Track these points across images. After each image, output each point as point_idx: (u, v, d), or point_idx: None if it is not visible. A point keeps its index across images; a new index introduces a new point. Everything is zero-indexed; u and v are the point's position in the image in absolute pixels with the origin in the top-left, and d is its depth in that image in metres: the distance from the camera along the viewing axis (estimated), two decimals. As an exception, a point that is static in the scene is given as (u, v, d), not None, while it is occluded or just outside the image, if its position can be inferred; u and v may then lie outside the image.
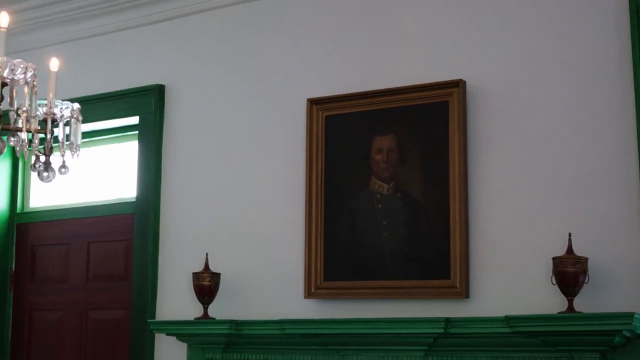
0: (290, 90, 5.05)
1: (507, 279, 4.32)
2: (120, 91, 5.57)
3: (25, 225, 6.08)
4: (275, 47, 5.15)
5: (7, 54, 5.45)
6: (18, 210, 6.11)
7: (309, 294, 4.80)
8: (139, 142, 5.54)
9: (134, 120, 5.60)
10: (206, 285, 4.96)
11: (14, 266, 6.06)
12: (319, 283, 4.79)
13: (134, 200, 5.53)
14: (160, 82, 5.48)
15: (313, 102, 4.92)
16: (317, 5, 5.03)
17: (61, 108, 3.22)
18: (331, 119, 4.89)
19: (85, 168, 5.82)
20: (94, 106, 5.43)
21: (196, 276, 4.97)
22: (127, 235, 5.57)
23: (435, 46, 4.68)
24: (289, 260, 4.91)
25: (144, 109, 5.50)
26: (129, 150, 5.75)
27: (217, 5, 5.33)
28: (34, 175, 6.02)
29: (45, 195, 6.08)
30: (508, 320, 4.09)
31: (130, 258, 5.52)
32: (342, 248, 4.76)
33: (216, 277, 4.97)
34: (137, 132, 5.59)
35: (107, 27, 5.71)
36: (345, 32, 4.94)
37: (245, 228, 5.09)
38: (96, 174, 5.81)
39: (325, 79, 4.95)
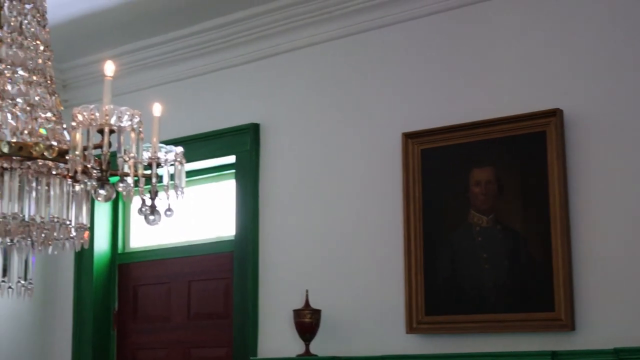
0: (385, 124, 5.05)
1: (614, 309, 4.23)
2: (217, 131, 5.64)
3: (126, 266, 6.18)
4: (369, 82, 5.16)
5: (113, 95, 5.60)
6: (119, 251, 6.22)
7: (410, 328, 4.78)
8: (236, 180, 5.60)
9: (231, 159, 5.66)
10: (307, 322, 4.97)
11: (116, 306, 6.16)
12: (420, 318, 4.77)
13: (233, 238, 5.58)
14: (255, 121, 5.53)
15: (408, 136, 4.92)
16: (410, 38, 5.03)
17: (165, 152, 3.27)
18: (427, 153, 4.88)
19: (184, 207, 5.89)
20: (192, 146, 5.49)
21: (297, 313, 4.99)
22: (226, 273, 5.62)
23: (530, 76, 4.64)
24: (389, 295, 4.89)
25: (240, 148, 5.56)
26: (226, 189, 5.82)
27: (310, 43, 5.37)
28: (134, 216, 6.20)
29: (145, 235, 6.17)
30: (617, 353, 4.00)
31: (231, 296, 5.56)
32: (442, 282, 4.73)
33: (317, 313, 4.98)
34: (233, 170, 5.66)
35: (201, 69, 5.79)
36: (439, 65, 4.93)
37: (344, 264, 5.09)
38: (195, 213, 5.89)
39: (419, 112, 4.94)
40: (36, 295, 3.23)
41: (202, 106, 5.77)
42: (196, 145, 5.59)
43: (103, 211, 6.14)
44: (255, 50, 5.56)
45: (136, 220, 6.21)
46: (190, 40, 5.74)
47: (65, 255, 5.86)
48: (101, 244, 6.13)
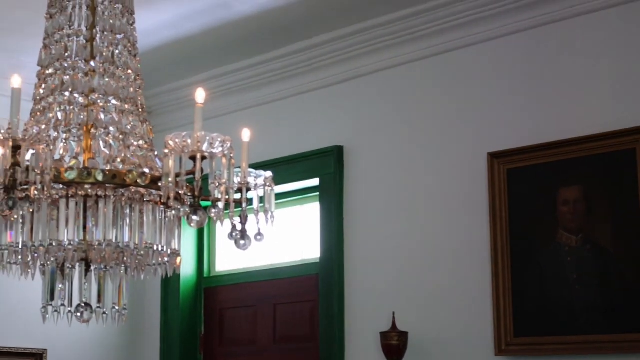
0: (469, 144, 5.01)
1: None
2: (301, 154, 5.66)
3: (212, 289, 6.23)
4: (453, 102, 5.13)
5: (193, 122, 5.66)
6: (205, 275, 6.27)
7: (499, 350, 4.72)
8: (320, 203, 5.61)
9: (315, 182, 5.68)
10: (394, 345, 4.94)
11: (203, 329, 6.21)
12: (509, 339, 4.71)
13: (318, 261, 5.59)
14: (339, 144, 5.54)
15: (494, 156, 4.88)
16: (494, 57, 5.00)
17: (255, 177, 3.30)
18: (513, 172, 4.83)
19: (269, 230, 5.92)
20: (276, 170, 5.46)
21: (384, 335, 4.97)
22: (312, 295, 5.63)
23: (618, 93, 4.57)
24: (477, 316, 4.84)
25: (324, 171, 5.58)
26: (310, 212, 5.83)
27: (393, 64, 5.35)
28: (219, 239, 6.26)
29: (230, 258, 6.21)
30: None
31: (316, 319, 5.56)
32: (531, 303, 4.67)
33: (404, 336, 4.95)
34: (318, 193, 5.67)
35: (285, 92, 5.83)
36: (524, 83, 4.88)
37: (430, 285, 5.05)
38: (279, 236, 5.91)
39: (505, 131, 4.89)
40: (114, 320, 3.26)
41: (285, 129, 5.80)
42: (280, 169, 5.61)
43: (189, 235, 6.20)
44: (338, 73, 5.58)
45: (221, 244, 6.26)
46: (273, 64, 5.78)
47: (152, 280, 5.91)
48: (187, 268, 6.19)
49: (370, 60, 5.43)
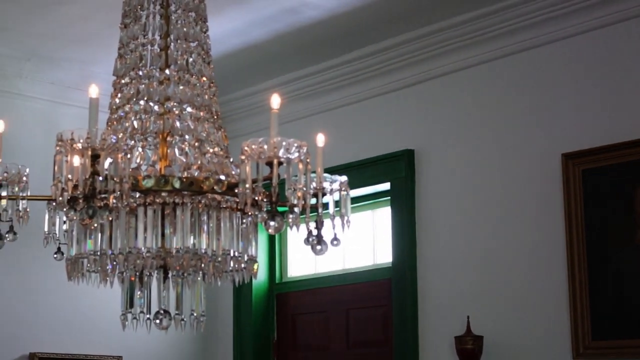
0: (543, 145, 4.95)
1: None
2: (371, 158, 5.65)
3: (284, 295, 6.23)
4: (525, 103, 5.08)
5: (263, 129, 5.68)
6: (277, 281, 6.28)
7: (577, 354, 4.66)
8: (392, 207, 5.58)
9: (386, 186, 5.66)
10: (469, 349, 4.90)
11: (275, 335, 6.22)
12: (587, 343, 4.64)
13: (390, 265, 5.57)
14: (409, 147, 5.51)
15: (568, 157, 4.81)
16: (567, 56, 4.94)
17: (330, 182, 3.29)
18: (588, 173, 4.76)
19: (341, 235, 5.91)
20: (346, 174, 5.48)
21: (458, 340, 4.93)
22: (385, 300, 5.60)
23: (695, 90, 4.49)
24: (553, 319, 4.78)
25: (395, 175, 5.55)
26: (382, 216, 5.81)
27: (463, 66, 5.32)
28: (290, 245, 6.26)
29: (302, 264, 6.22)
30: None
31: (390, 323, 5.53)
32: (609, 305, 4.59)
33: (479, 340, 4.90)
34: (389, 197, 5.65)
35: (355, 97, 5.81)
36: (598, 81, 4.81)
37: (505, 288, 5.00)
38: (351, 240, 5.90)
39: (579, 131, 4.83)
40: (193, 327, 3.27)
41: (355, 134, 5.78)
42: (351, 173, 5.53)
43: (260, 241, 6.18)
44: (407, 77, 5.55)
45: (293, 250, 6.27)
46: (343, 69, 5.77)
47: (224, 287, 5.94)
48: (259, 274, 6.15)
49: (441, 62, 5.40)
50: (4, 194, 3.16)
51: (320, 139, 3.30)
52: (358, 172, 5.61)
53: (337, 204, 3.33)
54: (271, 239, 6.27)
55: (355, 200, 5.83)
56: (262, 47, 5.55)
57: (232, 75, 5.84)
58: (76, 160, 2.80)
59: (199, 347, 6.32)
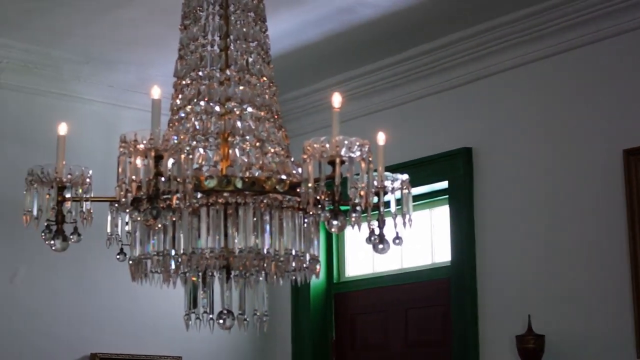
0: (603, 141, 4.89)
1: None
2: (429, 157, 5.62)
3: (342, 295, 6.22)
4: (585, 98, 5.02)
5: (325, 126, 5.66)
6: (335, 280, 6.27)
7: (641, 354, 4.60)
8: (450, 206, 5.55)
9: (444, 184, 5.63)
10: (531, 348, 4.85)
11: (334, 335, 6.21)
12: (651, 341, 4.57)
13: (449, 264, 5.53)
14: (467, 145, 5.47)
15: (629, 153, 4.75)
16: (626, 51, 4.87)
17: (391, 180, 3.28)
18: (650, 169, 4.70)
19: (403, 234, 5.89)
20: (404, 172, 5.50)
21: (520, 339, 4.88)
22: (444, 300, 5.57)
23: None
24: (616, 318, 4.72)
25: (453, 173, 5.52)
26: (440, 215, 5.78)
27: (521, 62, 5.27)
28: (348, 244, 6.25)
29: (359, 263, 6.20)
30: None
31: (449, 323, 5.50)
32: (673, 303, 4.53)
33: (541, 339, 4.85)
34: (447, 196, 5.61)
35: (411, 95, 5.79)
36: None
37: (566, 287, 4.94)
38: (409, 240, 5.87)
39: (639, 127, 4.77)
40: (256, 326, 3.27)
41: (413, 132, 5.75)
42: (408, 172, 5.51)
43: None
44: (465, 74, 5.51)
45: (351, 249, 6.26)
46: (400, 67, 5.75)
47: (282, 287, 5.96)
48: (317, 273, 6.19)
49: (498, 59, 5.35)
50: (68, 195, 3.18)
51: (381, 138, 3.30)
52: (415, 170, 5.53)
53: (398, 202, 3.32)
54: (329, 239, 6.26)
55: (412, 198, 5.80)
56: (317, 46, 5.55)
57: (287, 75, 5.81)
58: (139, 162, 2.82)
59: (257, 347, 6.33)
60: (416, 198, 5.74)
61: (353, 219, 2.98)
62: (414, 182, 5.58)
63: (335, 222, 2.88)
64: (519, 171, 5.25)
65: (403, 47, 5.60)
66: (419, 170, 5.58)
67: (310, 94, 6.14)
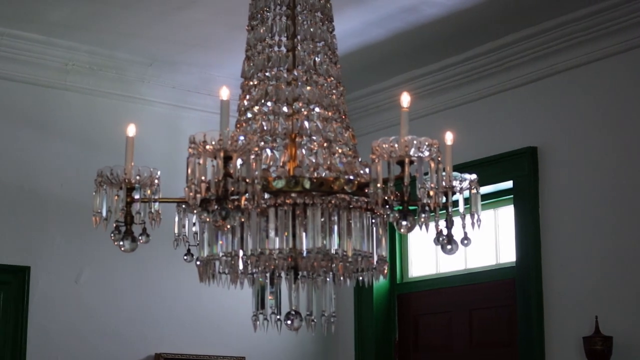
0: (672, 140, 4.82)
1: None
2: (493, 156, 5.57)
3: (405, 296, 6.19)
4: (652, 97, 4.94)
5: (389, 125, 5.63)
6: (398, 281, 6.24)
7: None
8: (515, 206, 5.50)
9: (508, 184, 5.57)
10: (599, 350, 4.79)
11: (397, 336, 6.18)
12: None
13: (514, 264, 5.48)
14: (532, 145, 5.41)
15: (700, 151, 4.66)
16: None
17: (460, 180, 3.24)
18: None
19: (471, 234, 5.84)
20: (469, 172, 5.45)
21: (587, 340, 4.82)
22: (509, 300, 5.51)
23: None
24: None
25: (518, 172, 5.46)
26: (504, 215, 5.72)
27: (588, 60, 5.21)
28: (411, 244, 6.21)
29: (423, 264, 6.16)
30: None
31: (514, 324, 5.44)
32: None
33: (608, 341, 4.79)
34: (511, 196, 5.56)
35: (476, 94, 5.74)
36: None
37: (635, 287, 4.87)
38: (473, 240, 5.81)
39: None
40: (322, 327, 3.25)
41: (477, 131, 5.70)
42: (473, 171, 5.48)
43: (380, 242, 6.17)
44: (530, 72, 5.46)
45: (414, 249, 6.22)
46: (464, 66, 5.71)
47: (345, 287, 5.94)
48: (380, 274, 6.16)
49: (564, 57, 5.29)
50: (136, 196, 3.19)
51: (449, 137, 3.27)
52: (480, 169, 5.45)
53: (466, 201, 3.29)
54: (392, 238, 6.23)
55: (477, 199, 5.76)
56: (382, 46, 5.53)
57: (352, 74, 5.79)
58: (208, 162, 2.82)
59: (320, 347, 6.32)
60: (481, 198, 5.71)
61: (422, 220, 2.95)
62: (479, 182, 5.56)
63: (404, 223, 2.85)
64: (585, 170, 5.18)
65: (467, 45, 5.56)
66: (484, 169, 5.51)
67: (374, 93, 6.12)
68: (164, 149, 5.75)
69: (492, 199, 5.77)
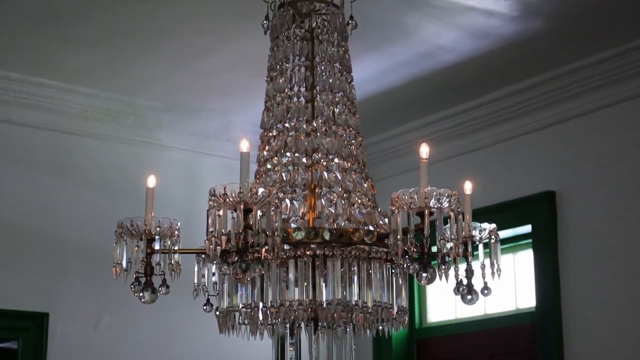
0: (691, 185, 4.80)
1: None
2: (512, 200, 5.55)
3: (424, 341, 6.15)
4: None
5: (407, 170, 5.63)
6: (417, 326, 6.21)
7: None
8: (534, 250, 5.47)
9: (527, 228, 5.55)
10: (621, 397, 4.75)
11: (419, 382, 6.15)
12: None
13: (533, 309, 5.45)
14: (550, 189, 5.40)
15: None
16: None
17: (479, 230, 3.24)
18: None
19: (492, 284, 5.82)
20: (486, 217, 5.43)
21: (609, 387, 4.78)
22: (528, 346, 5.47)
23: None
24: None
25: (536, 217, 5.45)
26: (523, 259, 5.70)
27: (604, 104, 5.19)
28: (429, 290, 6.19)
29: (441, 309, 6.13)
30: None
31: (535, 370, 5.41)
32: None
33: (631, 387, 4.75)
34: (530, 240, 5.54)
35: (493, 138, 5.72)
36: None
37: (656, 334, 4.83)
38: (493, 289, 5.78)
39: None
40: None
41: (495, 176, 5.68)
42: (491, 216, 5.49)
43: (399, 286, 6.16)
44: (546, 117, 5.45)
45: (432, 294, 6.20)
46: (480, 111, 5.71)
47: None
48: (399, 319, 6.13)
49: (581, 101, 5.28)
50: (156, 247, 3.21)
51: (468, 187, 3.27)
52: (498, 214, 5.50)
53: (486, 250, 3.29)
54: (411, 284, 6.20)
55: (495, 243, 5.74)
56: (398, 92, 5.55)
57: (368, 120, 5.81)
58: (228, 215, 2.83)
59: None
60: (499, 242, 5.70)
61: (442, 271, 2.95)
62: (497, 226, 5.54)
63: (424, 274, 2.86)
64: (604, 215, 5.16)
65: (484, 90, 5.57)
66: (502, 214, 5.52)
67: (391, 138, 6.13)
68: (183, 194, 5.77)
69: (510, 244, 5.74)
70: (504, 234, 5.62)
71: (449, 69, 5.25)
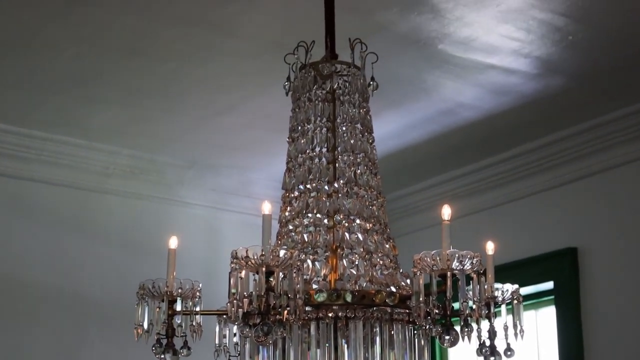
0: None
1: None
2: (533, 257, 5.53)
3: (447, 399, 6.11)
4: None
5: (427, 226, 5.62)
6: (438, 386, 6.16)
7: None
8: (556, 307, 5.44)
9: (549, 285, 5.52)
10: None
11: None
12: None
13: (556, 367, 5.41)
14: (572, 245, 5.38)
15: None
16: None
17: (502, 291, 3.23)
18: None
19: (515, 345, 5.78)
20: (508, 273, 5.40)
21: None
22: (551, 404, 5.42)
23: None
24: None
25: (558, 273, 5.42)
26: (545, 316, 5.66)
27: (625, 161, 5.17)
28: (452, 351, 6.13)
29: (463, 366, 6.09)
30: None
31: None
32: None
33: None
34: (552, 297, 5.50)
35: (514, 194, 5.72)
36: None
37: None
38: (515, 345, 5.74)
39: None
40: None
41: (516, 232, 5.66)
42: (512, 272, 5.47)
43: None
44: (568, 172, 5.44)
45: (454, 356, 6.15)
46: (501, 167, 5.71)
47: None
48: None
49: (601, 158, 5.28)
50: (178, 309, 3.20)
51: (490, 247, 3.26)
52: (519, 271, 5.48)
53: (509, 310, 3.27)
54: (432, 344, 6.15)
55: (517, 300, 5.71)
56: (419, 148, 5.56)
57: (389, 176, 5.82)
58: (250, 277, 2.83)
59: None
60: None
61: (464, 332, 2.93)
62: (518, 283, 5.50)
63: (447, 337, 2.84)
64: (626, 271, 5.13)
65: (504, 147, 5.57)
66: (524, 270, 5.49)
67: (412, 194, 6.13)
68: (203, 250, 5.78)
69: (532, 300, 5.71)
70: (525, 290, 5.58)
71: (469, 125, 5.27)
